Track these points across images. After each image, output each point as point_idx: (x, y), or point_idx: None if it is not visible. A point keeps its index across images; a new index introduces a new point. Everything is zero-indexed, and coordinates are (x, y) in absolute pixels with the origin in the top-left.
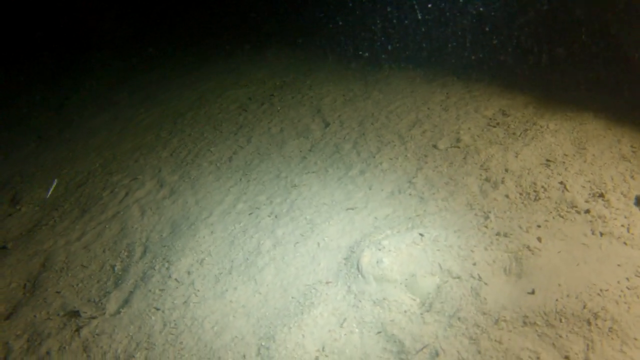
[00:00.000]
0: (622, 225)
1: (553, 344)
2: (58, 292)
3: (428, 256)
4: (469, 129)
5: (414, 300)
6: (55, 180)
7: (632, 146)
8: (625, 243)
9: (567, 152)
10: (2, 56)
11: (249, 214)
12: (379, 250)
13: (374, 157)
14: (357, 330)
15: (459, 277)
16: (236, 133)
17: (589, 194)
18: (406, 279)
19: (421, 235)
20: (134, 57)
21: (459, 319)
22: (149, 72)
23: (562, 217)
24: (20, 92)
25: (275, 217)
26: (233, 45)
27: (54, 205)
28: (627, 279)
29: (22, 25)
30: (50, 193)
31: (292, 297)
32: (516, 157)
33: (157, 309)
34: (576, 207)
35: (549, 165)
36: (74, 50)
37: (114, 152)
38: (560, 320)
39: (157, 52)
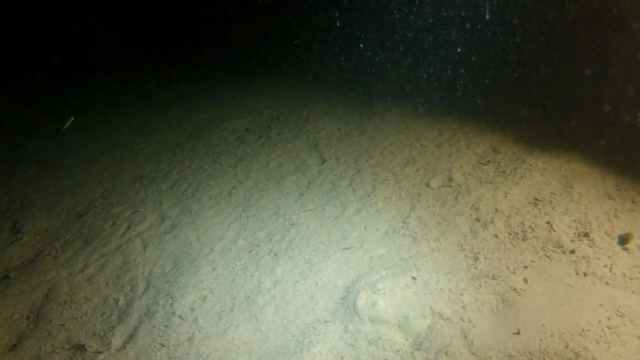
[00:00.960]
0: (605, 265)
1: None
2: (62, 325)
3: (420, 299)
4: (461, 166)
5: (407, 340)
6: (72, 118)
7: (616, 184)
8: (607, 283)
9: (554, 190)
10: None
11: (249, 252)
12: (374, 292)
13: (369, 195)
14: None
15: (448, 319)
16: (235, 167)
17: (575, 234)
18: (399, 321)
19: (414, 278)
20: (131, 84)
21: (446, 355)
22: (146, 99)
23: (548, 257)
24: (17, 116)
25: (275, 255)
26: (229, 75)
27: (55, 235)
28: (608, 318)
29: (18, 50)
30: (67, 125)
31: (292, 335)
32: (505, 196)
33: (162, 345)
34: (562, 246)
35: (537, 205)
36: (70, 75)
37: (114, 182)
38: None
39: (154, 80)
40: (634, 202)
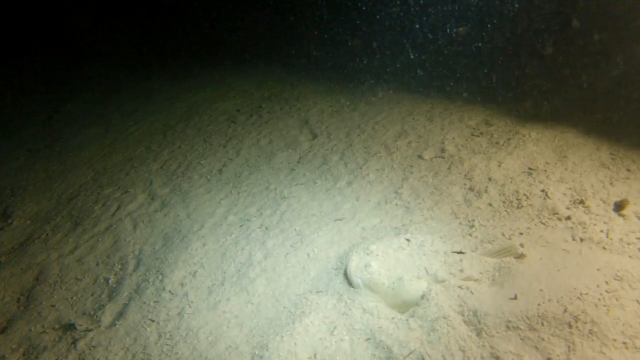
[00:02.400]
0: (602, 231)
1: (536, 347)
2: (53, 306)
3: (415, 260)
4: (453, 138)
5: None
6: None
7: (611, 153)
8: (604, 248)
9: (548, 160)
10: None
11: (240, 226)
12: (367, 254)
13: (361, 168)
14: (347, 337)
15: (443, 282)
16: (225, 145)
17: (570, 201)
18: (393, 282)
19: (408, 240)
20: (122, 70)
21: (443, 323)
22: (137, 84)
23: (543, 224)
24: (8, 104)
25: (266, 228)
26: (219, 58)
27: (45, 218)
28: (606, 282)
29: (10, 37)
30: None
31: (284, 307)
32: (499, 166)
33: (152, 321)
34: (557, 214)
35: (531, 174)
36: (61, 63)
37: (105, 165)
38: (542, 324)
39: (145, 65)
40: (628, 170)
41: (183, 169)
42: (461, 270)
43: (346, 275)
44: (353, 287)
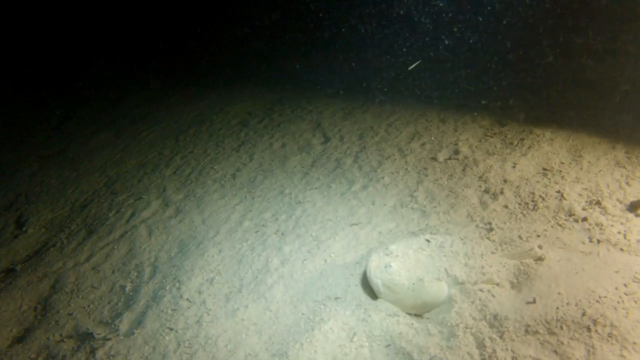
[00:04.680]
0: (619, 232)
1: (555, 351)
2: (70, 314)
3: (435, 262)
4: (467, 139)
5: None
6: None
7: (626, 152)
8: (622, 249)
9: (563, 160)
10: (2, 74)
11: (256, 232)
12: (387, 255)
13: (376, 171)
14: (366, 344)
15: (463, 284)
16: (238, 149)
17: (586, 202)
18: (414, 283)
19: (428, 241)
20: (130, 76)
21: (462, 329)
22: (147, 89)
23: (560, 225)
24: (21, 110)
25: (282, 234)
26: (229, 61)
27: (60, 226)
28: (625, 285)
29: (21, 43)
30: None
31: (302, 314)
32: (514, 167)
33: (171, 329)
34: (574, 215)
35: (546, 174)
36: (73, 68)
37: (118, 171)
38: (561, 328)
39: (154, 70)
40: None
41: (196, 174)
42: (482, 273)
43: (366, 276)
44: (372, 286)
